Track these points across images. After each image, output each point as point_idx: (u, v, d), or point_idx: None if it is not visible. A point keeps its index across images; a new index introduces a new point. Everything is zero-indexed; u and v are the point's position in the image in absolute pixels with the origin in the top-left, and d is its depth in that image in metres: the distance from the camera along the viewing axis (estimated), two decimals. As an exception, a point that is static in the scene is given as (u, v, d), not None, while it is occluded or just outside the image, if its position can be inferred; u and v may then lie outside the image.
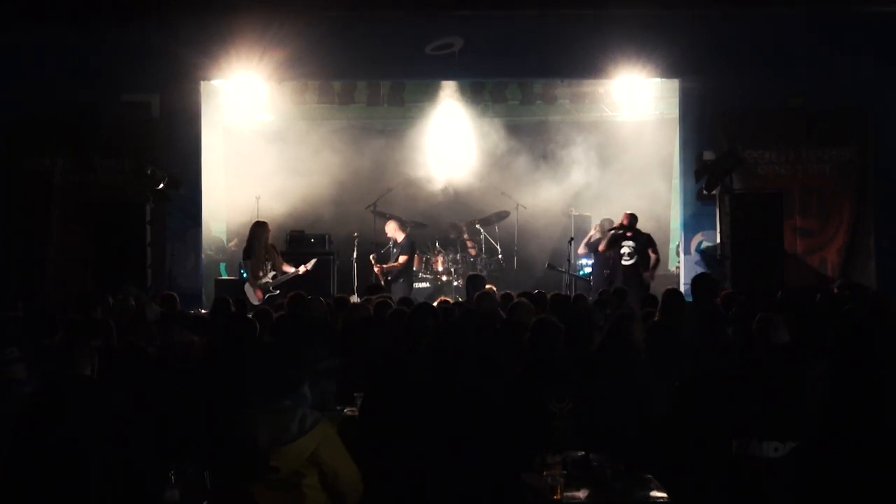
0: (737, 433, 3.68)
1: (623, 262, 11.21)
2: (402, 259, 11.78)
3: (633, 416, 4.65)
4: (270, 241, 10.92)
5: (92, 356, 4.47)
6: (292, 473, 3.68)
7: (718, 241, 11.62)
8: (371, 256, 11.97)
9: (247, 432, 3.66)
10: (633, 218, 11.32)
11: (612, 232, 11.39)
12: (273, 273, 10.61)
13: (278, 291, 10.19)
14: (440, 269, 12.40)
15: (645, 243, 11.21)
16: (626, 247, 11.20)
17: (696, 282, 7.61)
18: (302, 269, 10.60)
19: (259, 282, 10.54)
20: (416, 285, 11.98)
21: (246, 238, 13.58)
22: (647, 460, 4.33)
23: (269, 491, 3.67)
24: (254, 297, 10.43)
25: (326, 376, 6.00)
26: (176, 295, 8.59)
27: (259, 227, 10.80)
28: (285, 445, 3.64)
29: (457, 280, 12.18)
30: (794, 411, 3.72)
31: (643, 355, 5.21)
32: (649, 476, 4.21)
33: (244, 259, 10.92)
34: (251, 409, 3.77)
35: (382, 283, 11.37)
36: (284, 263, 10.77)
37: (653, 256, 11.21)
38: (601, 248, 11.51)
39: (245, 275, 11.90)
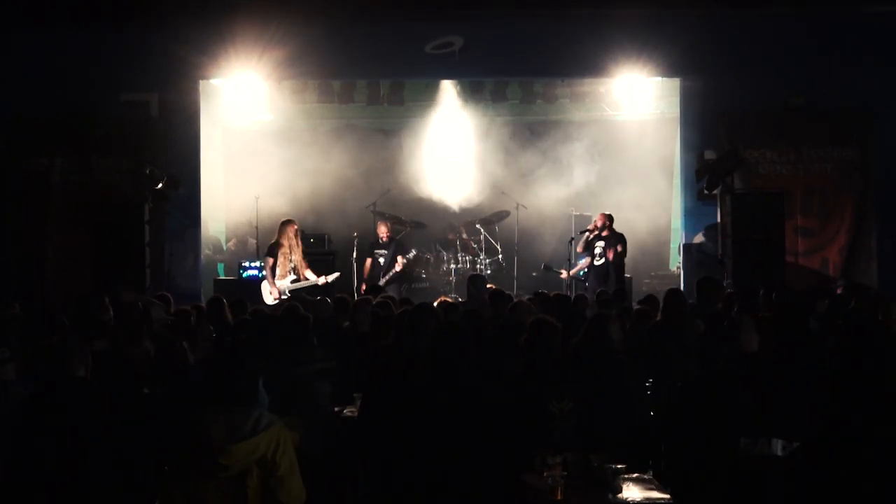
0: (741, 432, 3.66)
1: (595, 263, 11.23)
2: (400, 260, 11.69)
3: (619, 415, 4.63)
4: (297, 242, 10.73)
5: (86, 357, 4.44)
6: (238, 474, 3.64)
7: (719, 240, 11.58)
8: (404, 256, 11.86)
9: (200, 430, 3.64)
10: (608, 218, 11.30)
11: (587, 233, 11.38)
12: (294, 277, 10.50)
13: (290, 296, 10.08)
14: (440, 269, 12.35)
15: (615, 242, 11.19)
16: (598, 247, 11.21)
17: (701, 284, 7.56)
18: (322, 280, 10.48)
19: (277, 282, 10.47)
20: (416, 285, 11.90)
21: (244, 238, 13.63)
22: (646, 460, 4.30)
23: (215, 490, 3.64)
24: (269, 297, 10.37)
25: (322, 377, 5.96)
26: (170, 296, 8.53)
27: (283, 226, 10.66)
28: (235, 444, 3.61)
29: (456, 280, 12.13)
30: (792, 410, 3.70)
31: (621, 355, 5.19)
32: (649, 476, 4.19)
33: (266, 256, 10.82)
34: (207, 408, 3.73)
35: (382, 282, 11.33)
36: (307, 269, 10.62)
37: (618, 249, 11.16)
38: (578, 249, 11.49)
39: (245, 275, 11.90)
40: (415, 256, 12.11)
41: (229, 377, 3.78)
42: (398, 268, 11.58)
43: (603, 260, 11.15)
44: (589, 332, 5.15)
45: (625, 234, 11.38)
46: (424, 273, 12.46)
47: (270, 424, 3.71)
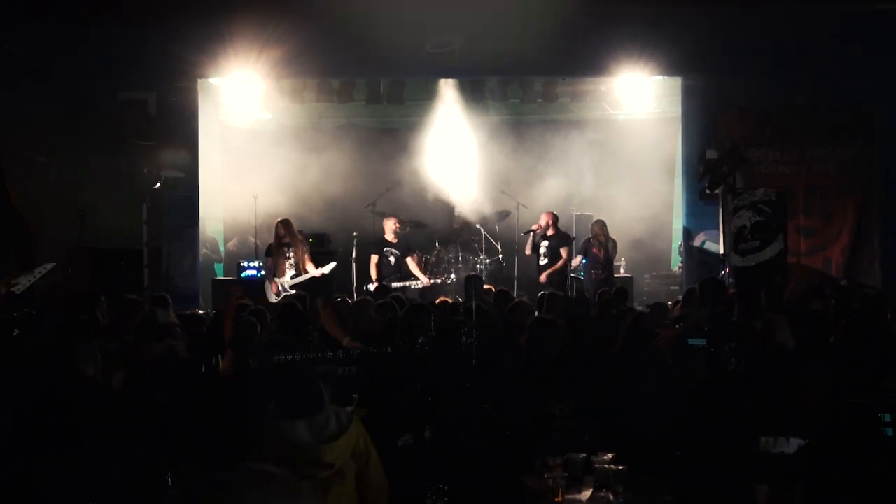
0: (751, 431, 3.62)
1: (539, 263, 11.20)
2: (426, 279, 11.47)
3: (653, 416, 4.55)
4: (296, 238, 10.60)
5: (95, 356, 4.44)
6: (340, 470, 3.73)
7: (721, 240, 11.52)
8: (415, 255, 11.68)
9: (287, 435, 3.67)
10: (553, 217, 11.28)
11: (532, 233, 11.34)
12: (294, 273, 10.42)
13: (294, 291, 9.99)
14: (440, 268, 12.25)
15: (559, 243, 11.12)
16: (543, 247, 11.18)
17: (704, 285, 7.46)
18: (318, 272, 10.37)
19: (277, 280, 10.40)
20: (415, 285, 11.74)
21: (245, 238, 13.56)
22: (653, 462, 4.24)
23: (319, 488, 3.69)
24: (271, 295, 10.31)
25: (321, 380, 5.90)
26: (167, 296, 8.45)
27: (277, 226, 10.59)
28: (331, 441, 3.68)
29: (456, 280, 12.04)
30: (801, 409, 3.65)
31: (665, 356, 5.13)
32: (651, 478, 4.13)
33: (266, 256, 10.76)
34: (285, 415, 3.75)
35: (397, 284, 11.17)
36: (308, 262, 10.43)
37: (563, 255, 11.11)
38: (527, 252, 11.45)
39: (243, 275, 11.82)
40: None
41: (301, 387, 3.83)
42: (427, 283, 11.30)
43: (547, 261, 11.15)
44: (632, 333, 5.05)
45: (569, 235, 11.51)
46: (424, 273, 12.34)
47: (351, 419, 3.81)
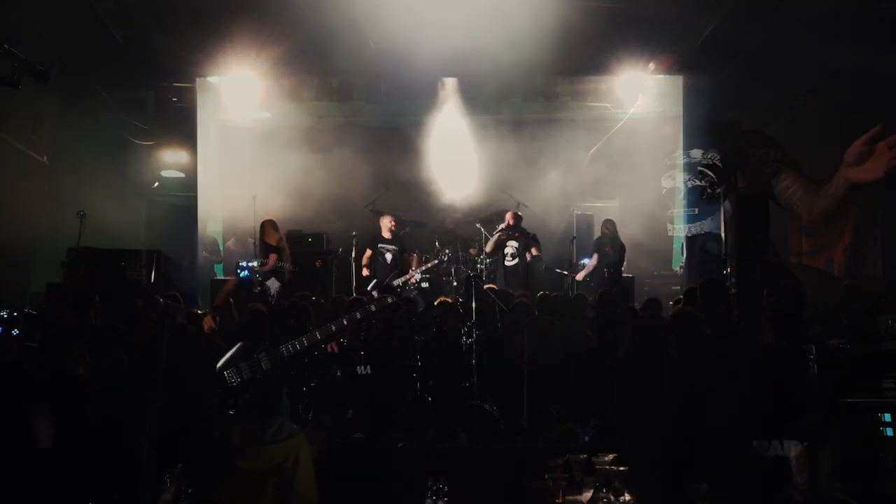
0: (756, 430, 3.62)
1: (505, 264, 11.20)
2: (415, 274, 11.42)
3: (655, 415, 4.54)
4: (258, 239, 10.62)
5: (84, 356, 4.43)
6: (255, 479, 3.64)
7: (723, 240, 11.50)
8: (415, 254, 11.66)
9: (223, 434, 3.63)
10: (517, 218, 11.26)
11: (498, 234, 11.32)
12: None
13: (259, 289, 10.04)
14: (440, 268, 12.23)
15: (527, 244, 11.11)
16: (510, 247, 11.17)
17: (705, 287, 7.45)
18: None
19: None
20: (413, 283, 11.69)
21: (243, 238, 13.53)
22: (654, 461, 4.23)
23: (233, 491, 3.63)
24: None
25: (321, 382, 5.89)
26: (179, 295, 8.45)
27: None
28: (254, 449, 3.60)
29: (456, 280, 12.01)
30: (793, 411, 3.65)
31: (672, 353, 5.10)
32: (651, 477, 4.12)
33: None
34: (233, 414, 3.71)
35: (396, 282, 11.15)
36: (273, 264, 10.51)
37: (533, 253, 11.10)
38: (487, 249, 11.43)
39: (242, 274, 11.80)
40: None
41: (255, 390, 3.78)
42: (417, 278, 11.24)
43: (516, 261, 11.14)
44: (638, 331, 5.04)
45: (535, 236, 11.48)
46: (424, 273, 12.32)
47: (291, 435, 3.75)
